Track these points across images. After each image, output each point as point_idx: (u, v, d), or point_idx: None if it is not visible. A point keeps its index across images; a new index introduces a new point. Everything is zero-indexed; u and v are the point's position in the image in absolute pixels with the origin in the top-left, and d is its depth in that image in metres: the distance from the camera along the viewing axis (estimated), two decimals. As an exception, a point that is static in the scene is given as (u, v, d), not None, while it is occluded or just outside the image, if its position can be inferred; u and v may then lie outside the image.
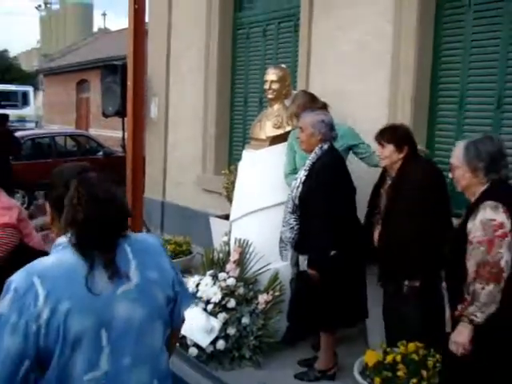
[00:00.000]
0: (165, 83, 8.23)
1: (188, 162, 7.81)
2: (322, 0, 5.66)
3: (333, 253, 3.67)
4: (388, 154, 3.76)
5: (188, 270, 5.50)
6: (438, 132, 4.83)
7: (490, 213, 2.70)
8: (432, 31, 4.83)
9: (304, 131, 3.94)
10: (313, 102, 4.44)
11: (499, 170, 2.86)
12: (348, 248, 3.68)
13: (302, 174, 3.90)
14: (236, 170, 5.60)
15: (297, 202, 3.86)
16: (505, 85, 4.40)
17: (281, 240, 4.03)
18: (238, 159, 6.11)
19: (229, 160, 7.34)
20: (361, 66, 5.27)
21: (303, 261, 3.80)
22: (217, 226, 5.90)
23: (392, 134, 3.78)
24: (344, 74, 5.38)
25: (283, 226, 3.97)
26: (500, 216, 2.68)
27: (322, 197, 3.70)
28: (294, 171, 4.34)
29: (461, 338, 2.75)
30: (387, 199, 3.75)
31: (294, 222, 3.89)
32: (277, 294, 4.37)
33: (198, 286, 4.56)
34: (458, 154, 2.94)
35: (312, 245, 3.74)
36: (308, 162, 3.90)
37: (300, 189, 3.85)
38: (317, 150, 3.87)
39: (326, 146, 3.87)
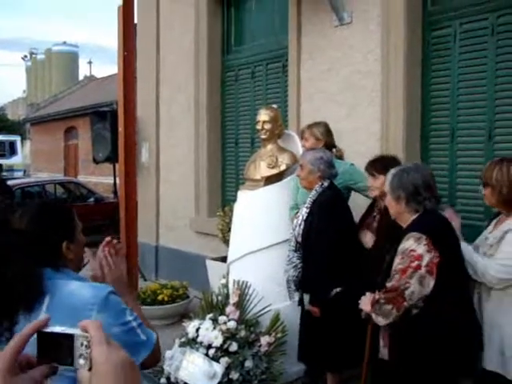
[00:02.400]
0: (155, 127, 8.28)
1: (181, 205, 7.80)
2: (309, 41, 5.77)
3: (335, 291, 3.65)
4: (379, 185, 3.81)
5: (186, 315, 5.42)
6: (432, 165, 4.87)
7: (411, 243, 2.81)
8: (420, 67, 4.92)
9: (303, 168, 3.97)
10: (328, 136, 4.51)
11: (421, 201, 2.93)
12: (352, 285, 3.66)
13: (303, 212, 3.92)
14: (231, 211, 5.59)
15: (299, 239, 3.87)
16: (495, 116, 4.47)
17: (287, 280, 4.01)
18: (232, 200, 6.12)
19: (222, 202, 7.35)
20: (351, 104, 5.34)
21: (307, 299, 3.77)
22: (213, 269, 5.86)
23: (383, 165, 3.83)
24: (335, 113, 5.44)
25: (287, 265, 3.97)
26: (421, 248, 2.77)
27: (322, 234, 3.71)
28: (296, 206, 4.37)
29: (365, 307, 2.97)
30: (376, 230, 3.78)
31: (298, 261, 3.90)
32: (279, 335, 4.30)
33: (197, 330, 4.48)
34: (386, 182, 3.09)
35: (313, 283, 3.73)
36: (309, 200, 3.92)
37: (302, 226, 3.86)
38: (317, 187, 3.90)
39: (325, 184, 3.90)
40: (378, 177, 3.77)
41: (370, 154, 4.17)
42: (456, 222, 3.23)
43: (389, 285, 2.86)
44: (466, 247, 3.08)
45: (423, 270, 2.77)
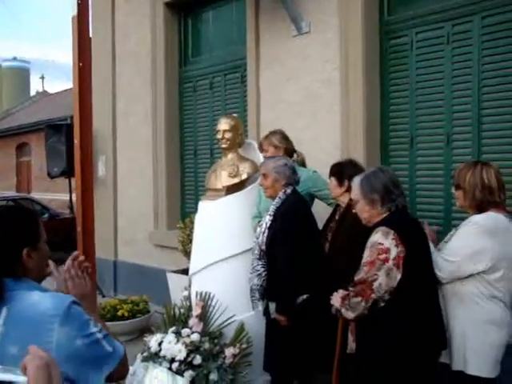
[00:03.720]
0: (112, 140, 8.15)
1: (139, 219, 7.68)
2: (268, 51, 5.78)
3: (301, 298, 3.61)
4: (332, 188, 3.91)
5: (148, 329, 5.30)
6: (392, 172, 4.93)
7: (379, 237, 2.86)
8: (378, 76, 4.98)
9: (267, 177, 3.92)
10: (286, 142, 4.51)
11: (395, 199, 3.02)
12: (318, 291, 3.62)
13: (267, 219, 3.87)
14: (191, 222, 5.52)
15: (263, 247, 3.82)
16: (452, 122, 4.55)
17: (251, 289, 3.95)
18: (191, 212, 6.05)
19: (181, 213, 7.27)
20: (310, 112, 5.37)
21: (273, 308, 3.72)
22: (174, 282, 5.76)
23: (335, 168, 3.93)
24: (295, 122, 5.46)
25: (251, 273, 3.91)
26: (388, 242, 2.83)
27: (286, 241, 3.67)
28: (259, 215, 4.34)
29: (337, 304, 2.97)
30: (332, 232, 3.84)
31: (262, 269, 3.84)
32: (244, 346, 4.23)
33: (160, 344, 4.38)
34: (354, 189, 3.14)
35: (279, 291, 3.68)
36: (272, 207, 3.87)
37: (266, 234, 3.82)
38: (281, 194, 3.86)
39: (289, 191, 3.87)
40: (331, 179, 3.91)
41: (330, 162, 4.17)
42: (431, 235, 3.25)
43: (357, 278, 2.89)
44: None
45: (390, 262, 2.81)
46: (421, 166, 4.77)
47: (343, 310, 2.93)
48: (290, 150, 4.53)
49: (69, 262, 2.00)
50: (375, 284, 2.81)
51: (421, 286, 2.90)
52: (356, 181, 3.14)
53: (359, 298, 2.84)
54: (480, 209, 3.04)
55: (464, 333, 3.03)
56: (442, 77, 4.60)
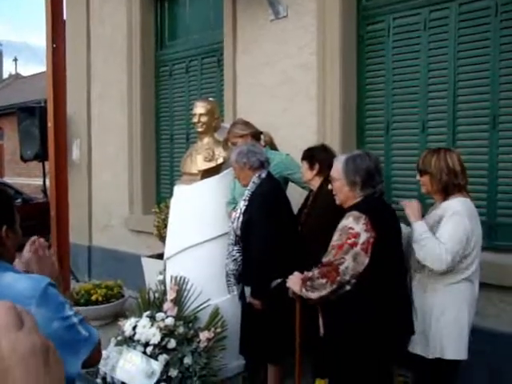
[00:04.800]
0: (86, 124, 8.05)
1: (114, 204, 7.62)
2: (245, 35, 5.75)
3: (276, 282, 3.63)
4: (304, 171, 3.93)
5: (122, 314, 5.28)
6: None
7: (350, 221, 2.89)
8: (355, 61, 4.98)
9: (235, 170, 4.01)
10: (249, 128, 4.51)
11: (375, 185, 3.05)
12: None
13: (241, 205, 3.88)
14: (167, 207, 5.50)
15: (238, 232, 3.83)
16: (427, 109, 4.58)
17: (226, 274, 3.96)
18: (167, 197, 6.03)
19: (157, 198, 7.23)
20: (287, 97, 5.35)
21: (248, 292, 3.73)
22: (149, 266, 5.74)
23: (306, 152, 3.96)
24: (271, 107, 5.45)
25: (227, 259, 3.92)
26: (359, 227, 2.86)
27: (261, 226, 3.68)
28: (234, 200, 4.35)
29: (294, 287, 3.06)
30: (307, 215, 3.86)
31: (238, 254, 3.85)
32: (218, 330, 4.25)
33: (134, 328, 4.37)
34: (337, 167, 3.13)
35: (254, 275, 3.70)
36: (247, 192, 3.88)
37: (241, 219, 3.82)
38: (255, 179, 3.87)
39: (263, 175, 3.88)
40: (302, 163, 3.93)
41: (306, 147, 4.17)
42: (415, 205, 3.21)
43: (325, 260, 2.92)
44: (420, 226, 3.07)
45: (359, 247, 2.84)
46: (396, 152, 4.80)
47: (304, 291, 2.96)
48: (256, 134, 4.55)
49: (28, 246, 1.96)
50: (341, 267, 2.85)
51: (388, 272, 2.92)
52: (340, 159, 3.14)
53: (324, 280, 2.88)
54: (446, 192, 3.09)
55: (438, 318, 3.06)
56: (419, 63, 4.62)
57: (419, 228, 3.05)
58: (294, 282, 3.06)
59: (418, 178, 3.24)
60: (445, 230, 3.01)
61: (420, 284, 3.15)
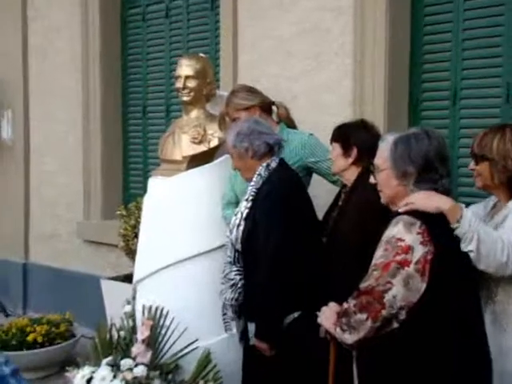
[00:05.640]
0: (22, 90, 8.10)
1: (63, 204, 7.67)
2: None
3: (292, 317, 3.66)
4: (334, 157, 3.92)
5: (72, 361, 5.34)
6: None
7: (400, 230, 2.78)
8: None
9: (233, 157, 4.01)
10: (255, 96, 4.51)
11: (437, 179, 2.94)
12: (314, 306, 3.65)
13: (242, 207, 3.90)
14: (137, 209, 5.55)
15: (238, 246, 3.85)
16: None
17: (222, 304, 3.99)
18: (138, 195, 6.07)
19: (124, 196, 7.29)
20: (311, 54, 5.37)
21: (252, 331, 3.76)
22: (112, 292, 5.79)
23: (339, 131, 3.95)
24: (287, 67, 5.49)
25: (222, 283, 3.94)
26: (411, 238, 2.74)
27: (271, 238, 3.68)
28: (235, 199, 4.38)
29: (327, 324, 2.96)
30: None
31: (237, 277, 3.86)
32: (210, 383, 4.31)
33: (89, 381, 4.42)
34: (383, 152, 3.03)
35: (261, 307, 3.69)
36: (250, 189, 3.88)
37: (242, 227, 3.84)
38: (261, 170, 3.87)
39: (273, 164, 3.88)
40: (333, 146, 3.92)
41: (338, 123, 4.21)
42: None
43: (363, 285, 2.82)
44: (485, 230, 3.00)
45: (412, 267, 2.73)
46: (466, 131, 4.73)
47: (338, 331, 2.88)
48: (265, 105, 4.54)
49: None
50: (387, 296, 2.74)
51: (456, 303, 2.86)
52: (388, 140, 3.03)
53: (364, 315, 2.76)
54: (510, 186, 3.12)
55: None
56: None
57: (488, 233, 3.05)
58: (327, 315, 2.98)
59: (471, 166, 3.26)
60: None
61: (495, 317, 3.14)
